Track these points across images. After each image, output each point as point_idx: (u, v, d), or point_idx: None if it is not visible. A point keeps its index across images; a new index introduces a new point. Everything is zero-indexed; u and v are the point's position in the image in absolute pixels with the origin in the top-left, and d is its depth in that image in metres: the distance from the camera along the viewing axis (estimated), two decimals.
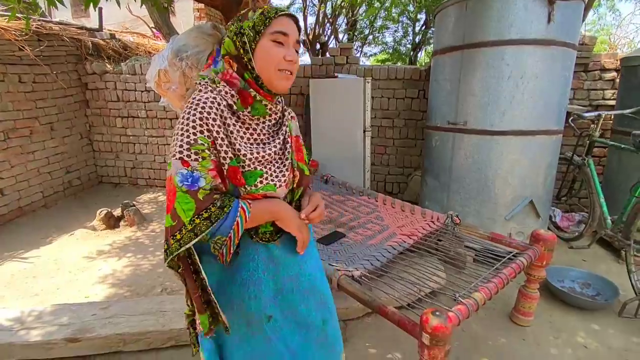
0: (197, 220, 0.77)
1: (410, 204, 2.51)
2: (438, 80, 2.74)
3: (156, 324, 1.85)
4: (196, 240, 0.78)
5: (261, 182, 0.87)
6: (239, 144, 0.85)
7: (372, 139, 3.78)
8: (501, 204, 2.51)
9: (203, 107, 0.82)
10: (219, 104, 0.84)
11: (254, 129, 0.90)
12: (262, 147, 0.89)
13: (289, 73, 0.89)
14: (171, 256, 0.78)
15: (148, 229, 3.35)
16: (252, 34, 0.86)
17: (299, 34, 0.92)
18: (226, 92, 0.87)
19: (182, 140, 0.80)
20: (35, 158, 3.62)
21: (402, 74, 3.72)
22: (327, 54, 3.91)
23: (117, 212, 3.46)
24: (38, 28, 3.42)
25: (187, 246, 0.77)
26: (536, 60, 2.28)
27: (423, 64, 9.00)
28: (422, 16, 8.42)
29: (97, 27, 4.44)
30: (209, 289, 0.84)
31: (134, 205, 3.51)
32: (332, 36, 7.98)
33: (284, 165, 0.93)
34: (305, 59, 9.48)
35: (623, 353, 1.85)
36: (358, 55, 9.37)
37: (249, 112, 0.89)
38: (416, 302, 1.63)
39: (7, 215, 3.36)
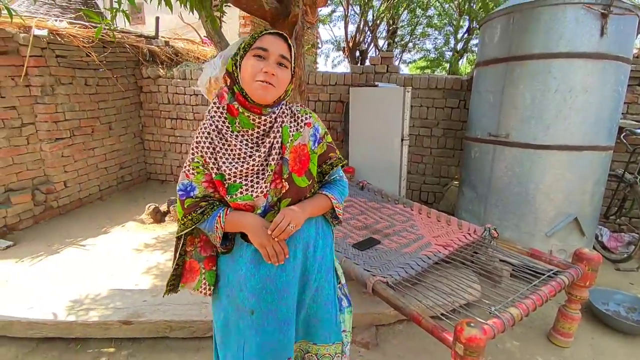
0: (184, 220, 1.05)
1: (446, 215, 2.51)
2: (480, 92, 2.72)
3: (199, 314, 1.98)
4: (187, 230, 1.06)
5: (241, 192, 1.02)
6: (222, 162, 1.01)
7: (409, 147, 3.79)
8: (542, 220, 2.44)
9: (199, 134, 1.04)
10: (207, 129, 1.03)
11: (236, 145, 1.01)
12: (242, 162, 1.01)
13: (267, 84, 0.97)
14: (177, 235, 1.10)
15: None
16: (242, 52, 1.00)
17: (289, 51, 1.02)
18: (216, 112, 1.04)
19: (188, 158, 1.05)
20: (94, 154, 3.96)
21: (442, 84, 3.70)
22: (367, 62, 3.97)
23: (163, 207, 3.70)
24: (103, 36, 3.76)
25: (182, 232, 1.07)
26: (586, 74, 2.22)
27: (464, 72, 8.82)
28: (464, 23, 8.27)
29: (154, 34, 4.78)
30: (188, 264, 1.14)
31: None
32: (372, 44, 8.02)
33: (263, 177, 1.02)
34: (342, 67, 9.54)
35: None
36: (397, 62, 9.33)
37: (238, 124, 1.03)
38: (450, 313, 1.64)
39: (68, 205, 3.70)
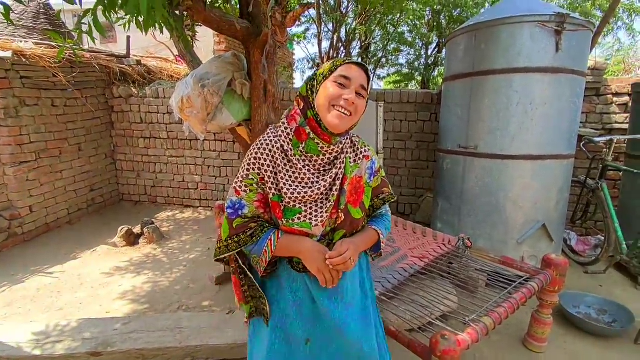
0: (229, 241, 1.00)
1: (421, 226, 2.55)
2: (449, 106, 2.82)
3: (174, 340, 1.91)
4: (229, 254, 1.01)
5: (299, 218, 0.98)
6: (283, 183, 0.98)
7: (384, 160, 3.85)
8: (513, 228, 2.52)
9: (259, 148, 1.00)
10: (273, 146, 0.99)
11: (301, 170, 0.98)
12: (306, 188, 0.98)
13: (344, 111, 0.95)
14: (215, 258, 1.04)
15: (167, 246, 3.46)
16: (320, 78, 0.99)
17: (368, 83, 0.99)
18: (283, 131, 1.01)
19: (240, 173, 1.00)
20: (63, 177, 3.82)
21: (414, 98, 3.82)
22: None
23: (137, 229, 3.60)
24: (71, 56, 3.68)
25: (223, 255, 1.02)
26: (544, 88, 2.34)
27: (435, 86, 9.13)
28: (434, 38, 8.60)
29: (125, 53, 4.72)
30: (256, 287, 1.07)
31: (153, 223, 3.64)
32: None
33: (325, 207, 0.99)
34: None
35: None
36: (372, 77, 9.56)
37: (302, 149, 0.99)
38: (427, 325, 1.66)
39: (34, 231, 3.53)
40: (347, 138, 1.05)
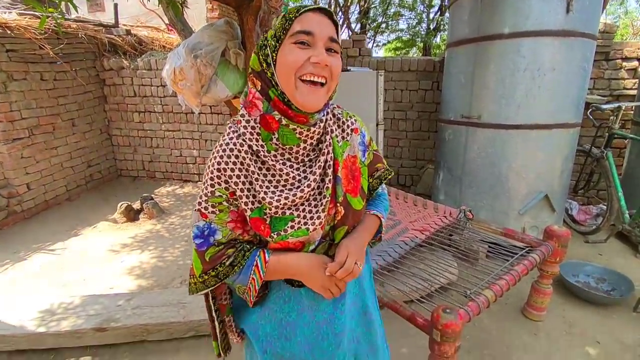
0: (206, 277, 0.80)
1: (422, 199, 2.52)
2: (451, 73, 2.71)
3: (177, 315, 1.94)
4: (207, 290, 0.82)
5: (292, 227, 0.77)
6: (264, 192, 0.76)
7: (385, 131, 3.77)
8: (515, 198, 2.49)
9: (222, 157, 0.76)
10: (239, 150, 0.76)
11: (281, 170, 0.77)
12: (293, 189, 0.77)
13: (317, 79, 0.72)
14: (190, 294, 0.84)
15: (167, 222, 3.46)
16: (273, 43, 0.73)
17: (337, 32, 0.75)
18: (245, 126, 0.77)
19: (203, 191, 0.78)
20: (58, 153, 3.76)
21: (415, 66, 3.68)
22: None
23: (136, 205, 3.58)
24: (56, 26, 3.52)
25: (200, 293, 0.82)
26: (554, 52, 2.23)
27: (437, 52, 8.84)
28: (437, 1, 8.24)
29: (113, 22, 4.51)
30: (227, 322, 0.94)
31: (152, 199, 3.62)
32: (345, 25, 7.88)
33: (321, 205, 0.79)
34: None
35: (637, 349, 1.85)
36: (371, 44, 9.23)
37: (276, 141, 0.76)
38: (426, 298, 1.66)
39: (33, 208, 3.52)
40: (328, 111, 0.83)
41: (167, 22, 5.62)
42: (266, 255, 0.80)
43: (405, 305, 1.49)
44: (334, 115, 0.88)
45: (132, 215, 3.49)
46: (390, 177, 0.99)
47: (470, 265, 2.19)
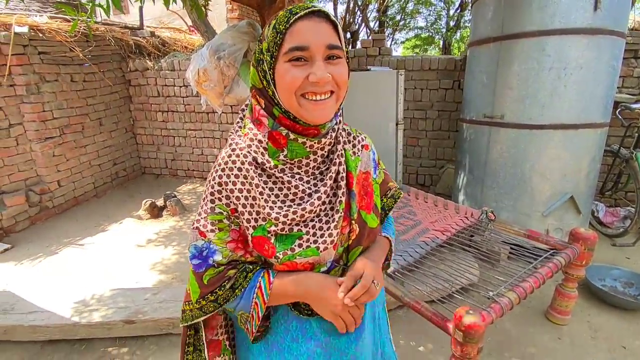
0: (203, 302, 0.72)
1: (443, 199, 2.51)
2: (474, 73, 2.68)
3: None
4: (205, 317, 0.74)
5: (300, 245, 0.69)
6: (270, 206, 0.68)
7: (404, 131, 3.75)
8: (538, 200, 2.45)
9: (223, 169, 0.70)
10: (243, 162, 0.69)
11: (290, 183, 0.70)
12: (302, 203, 0.70)
13: (320, 98, 0.66)
14: (183, 324, 0.76)
15: (189, 218, 3.55)
16: (268, 59, 0.66)
17: (337, 35, 0.66)
18: (252, 139, 0.70)
19: (202, 207, 0.72)
20: (87, 151, 3.91)
21: (436, 65, 3.65)
22: (359, 44, 3.89)
23: (159, 202, 3.69)
24: (85, 30, 3.65)
25: (196, 321, 0.74)
26: (581, 51, 2.18)
27: (457, 50, 8.70)
28: None
29: (138, 25, 4.65)
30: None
31: (175, 196, 3.72)
32: (363, 24, 7.85)
33: (333, 220, 0.71)
34: None
35: None
36: (389, 42, 9.16)
37: (285, 157, 0.70)
38: (447, 298, 1.66)
39: (64, 204, 3.68)
40: (340, 119, 0.76)
41: (189, 23, 5.74)
42: (270, 275, 0.71)
43: (426, 305, 1.49)
44: (344, 129, 0.81)
45: (156, 212, 3.59)
46: (401, 196, 0.93)
47: (491, 266, 2.17)
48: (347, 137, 0.81)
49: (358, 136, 0.83)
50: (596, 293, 2.19)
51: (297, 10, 0.63)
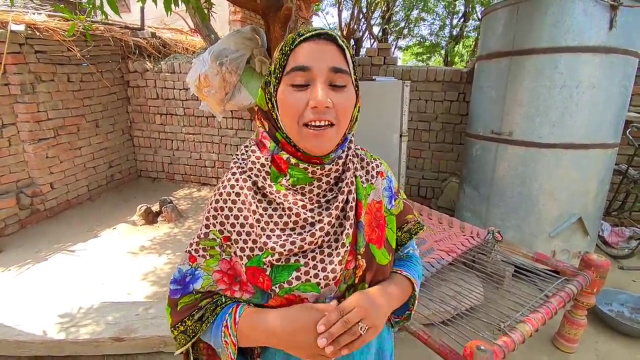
0: (175, 332, 0.67)
1: (447, 217, 2.43)
2: (482, 87, 2.62)
3: None
4: (184, 348, 0.68)
5: (298, 277, 0.63)
6: (267, 235, 0.64)
7: (407, 142, 3.69)
8: (545, 220, 2.38)
9: (221, 194, 0.67)
10: (241, 187, 0.66)
11: (290, 210, 0.65)
12: (303, 233, 0.64)
13: (320, 124, 0.61)
14: (179, 350, 0.69)
15: (185, 225, 3.46)
16: (274, 81, 0.64)
17: (344, 58, 0.62)
18: (254, 162, 0.67)
19: (200, 230, 0.69)
20: (81, 154, 3.81)
21: (441, 76, 3.59)
22: (363, 52, 3.84)
23: (155, 207, 3.60)
24: (83, 30, 3.57)
25: (181, 350, 0.68)
26: (594, 69, 2.13)
27: (457, 59, 8.67)
28: (460, 7, 8.11)
29: (139, 25, 4.56)
30: None
31: (171, 202, 3.63)
32: (367, 31, 7.81)
33: (337, 254, 0.64)
34: None
35: None
36: (393, 49, 9.15)
37: (287, 182, 0.66)
38: (451, 320, 1.59)
39: (56, 207, 3.57)
40: (350, 146, 0.70)
41: (191, 24, 5.67)
42: (237, 311, 0.63)
43: (433, 337, 1.41)
44: (356, 155, 0.75)
45: (150, 218, 3.50)
46: (421, 231, 0.84)
47: (495, 287, 2.09)
48: (360, 163, 0.76)
49: (373, 162, 0.77)
50: (603, 319, 2.13)
51: (305, 32, 0.62)
